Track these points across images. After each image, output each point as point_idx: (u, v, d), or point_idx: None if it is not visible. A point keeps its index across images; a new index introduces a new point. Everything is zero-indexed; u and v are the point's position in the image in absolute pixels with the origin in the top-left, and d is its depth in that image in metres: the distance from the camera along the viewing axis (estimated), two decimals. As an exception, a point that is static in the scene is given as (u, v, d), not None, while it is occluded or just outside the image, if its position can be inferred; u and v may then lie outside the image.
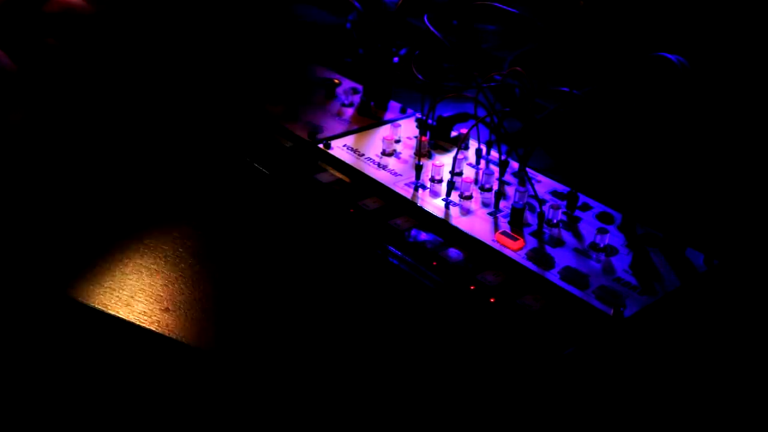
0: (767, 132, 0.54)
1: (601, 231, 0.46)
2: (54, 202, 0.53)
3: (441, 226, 0.47)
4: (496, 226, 0.47)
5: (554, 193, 0.51)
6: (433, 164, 0.52)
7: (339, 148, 0.55)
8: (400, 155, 0.55)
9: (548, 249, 0.45)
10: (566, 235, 0.47)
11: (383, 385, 0.39)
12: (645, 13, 0.54)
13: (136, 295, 0.45)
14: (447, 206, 0.49)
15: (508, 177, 0.53)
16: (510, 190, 0.51)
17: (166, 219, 0.53)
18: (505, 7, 0.50)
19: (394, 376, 0.40)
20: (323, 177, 0.52)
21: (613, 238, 0.47)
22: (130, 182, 0.56)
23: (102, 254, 0.48)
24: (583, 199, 0.50)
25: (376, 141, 0.57)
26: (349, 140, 0.57)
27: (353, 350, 0.41)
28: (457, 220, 0.48)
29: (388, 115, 0.62)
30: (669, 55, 0.39)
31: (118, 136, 0.63)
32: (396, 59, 0.71)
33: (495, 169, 0.52)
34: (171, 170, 0.58)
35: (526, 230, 0.47)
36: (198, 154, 0.58)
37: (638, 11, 0.54)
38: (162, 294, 0.45)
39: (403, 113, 0.62)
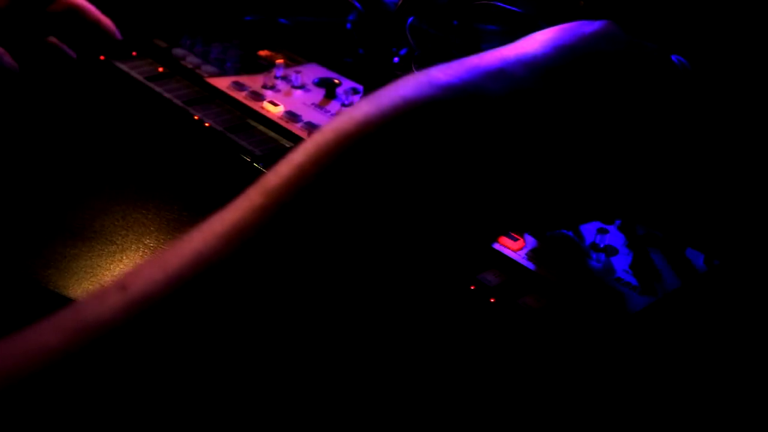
0: (767, 132, 0.54)
1: (601, 231, 0.46)
2: (53, 201, 0.53)
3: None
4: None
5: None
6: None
7: (339, 148, 0.55)
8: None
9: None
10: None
11: (383, 385, 0.39)
12: (645, 12, 0.53)
13: (136, 295, 0.45)
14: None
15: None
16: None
17: (166, 219, 0.53)
18: (506, 5, 0.50)
19: (394, 376, 0.40)
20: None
21: (613, 238, 0.47)
22: (130, 182, 0.56)
23: (102, 254, 0.48)
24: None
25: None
26: (349, 140, 0.57)
27: (353, 350, 0.41)
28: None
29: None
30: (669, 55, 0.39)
31: (118, 135, 0.63)
32: (396, 59, 0.71)
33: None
34: (170, 169, 0.58)
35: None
36: (198, 154, 0.58)
37: (638, 11, 0.53)
38: (162, 294, 0.45)
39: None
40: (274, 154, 0.55)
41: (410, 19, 0.57)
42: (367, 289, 0.28)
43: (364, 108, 0.30)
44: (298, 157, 0.29)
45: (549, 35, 0.35)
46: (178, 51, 0.71)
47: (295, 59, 0.72)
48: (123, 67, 0.67)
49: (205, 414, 0.25)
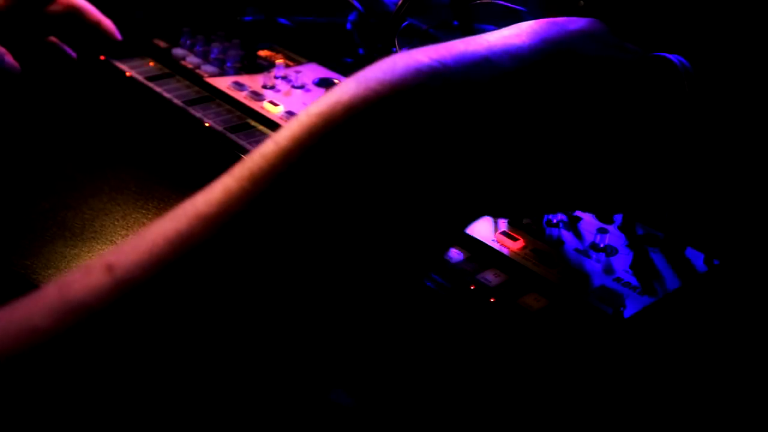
0: (767, 132, 0.54)
1: (601, 231, 0.46)
2: (53, 202, 0.53)
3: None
4: (496, 227, 0.47)
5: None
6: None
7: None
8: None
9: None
10: (566, 235, 0.47)
11: (384, 384, 0.39)
12: (645, 13, 0.54)
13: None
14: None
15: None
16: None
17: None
18: (506, 3, 0.50)
19: (394, 376, 0.40)
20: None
21: (613, 238, 0.47)
22: (130, 182, 0.56)
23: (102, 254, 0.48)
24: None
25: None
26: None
27: (353, 349, 0.41)
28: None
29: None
30: (669, 56, 0.39)
31: (118, 135, 0.63)
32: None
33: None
34: (170, 170, 0.58)
35: (526, 230, 0.47)
36: (198, 154, 0.58)
37: (638, 11, 0.53)
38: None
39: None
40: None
41: (404, 23, 0.57)
42: (351, 272, 0.28)
43: (351, 90, 0.30)
44: (283, 140, 0.29)
45: (535, 27, 0.35)
46: (178, 51, 0.71)
47: (295, 59, 0.72)
48: (123, 67, 0.67)
49: (192, 395, 0.25)
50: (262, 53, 0.73)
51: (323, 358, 0.29)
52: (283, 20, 0.82)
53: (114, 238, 0.50)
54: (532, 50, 0.33)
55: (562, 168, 0.34)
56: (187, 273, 0.26)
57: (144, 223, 0.52)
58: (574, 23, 0.37)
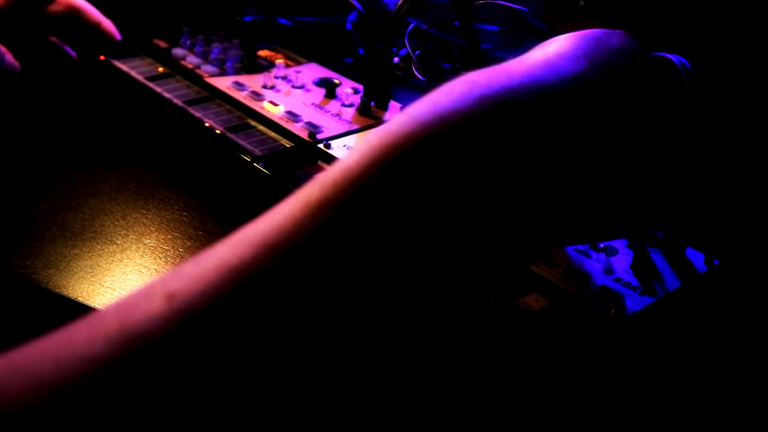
0: (767, 132, 0.54)
1: (601, 231, 0.46)
2: (53, 202, 0.53)
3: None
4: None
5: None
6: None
7: (339, 148, 0.55)
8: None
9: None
10: (566, 235, 0.47)
11: (383, 384, 0.39)
12: (645, 13, 0.53)
13: (136, 295, 0.45)
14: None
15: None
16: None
17: (166, 219, 0.53)
18: (507, 3, 0.50)
19: (393, 376, 0.40)
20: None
21: (613, 238, 0.47)
22: (130, 182, 0.56)
23: (102, 254, 0.48)
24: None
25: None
26: (349, 140, 0.57)
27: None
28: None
29: (388, 115, 0.62)
30: (669, 56, 0.39)
31: (118, 135, 0.63)
32: (396, 59, 0.72)
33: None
34: (170, 170, 0.58)
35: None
36: (198, 154, 0.58)
37: (638, 11, 0.53)
38: (162, 294, 0.45)
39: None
40: (274, 154, 0.55)
41: (411, 25, 0.57)
42: (414, 302, 0.28)
43: (423, 117, 0.29)
44: (354, 165, 0.28)
45: (577, 45, 0.35)
46: (178, 51, 0.71)
47: (295, 59, 0.72)
48: (123, 67, 0.67)
49: (247, 423, 0.25)
50: (262, 53, 0.73)
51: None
52: (283, 20, 0.82)
53: (114, 238, 0.50)
54: (586, 75, 0.33)
55: (622, 191, 0.34)
56: (248, 301, 0.26)
57: (144, 223, 0.52)
58: (615, 40, 0.36)
